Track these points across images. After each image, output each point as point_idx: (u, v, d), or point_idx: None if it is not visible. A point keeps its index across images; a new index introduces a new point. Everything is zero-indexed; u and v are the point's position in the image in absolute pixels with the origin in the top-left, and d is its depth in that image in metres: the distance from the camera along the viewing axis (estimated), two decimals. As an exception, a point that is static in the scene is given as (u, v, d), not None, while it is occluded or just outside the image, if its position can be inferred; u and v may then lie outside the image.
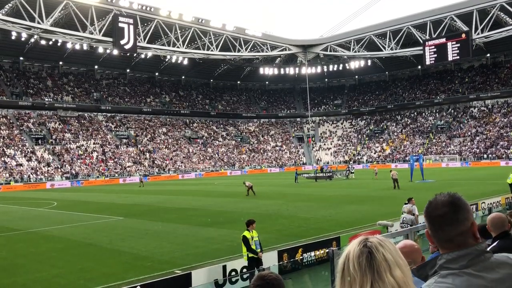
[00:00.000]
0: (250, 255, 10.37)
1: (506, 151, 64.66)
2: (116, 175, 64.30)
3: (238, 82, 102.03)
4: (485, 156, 66.06)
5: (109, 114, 78.27)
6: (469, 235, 1.58)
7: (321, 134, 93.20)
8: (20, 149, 61.88)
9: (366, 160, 78.77)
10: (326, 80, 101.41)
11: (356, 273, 1.34)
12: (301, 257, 12.04)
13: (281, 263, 11.48)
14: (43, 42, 63.71)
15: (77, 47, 64.95)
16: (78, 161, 64.37)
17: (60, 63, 78.24)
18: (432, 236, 1.63)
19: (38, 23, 52.98)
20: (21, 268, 13.39)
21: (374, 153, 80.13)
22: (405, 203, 15.16)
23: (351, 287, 1.35)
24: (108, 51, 69.41)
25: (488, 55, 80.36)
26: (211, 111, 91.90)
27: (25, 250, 16.06)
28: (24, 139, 64.41)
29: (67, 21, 57.53)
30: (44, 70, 78.09)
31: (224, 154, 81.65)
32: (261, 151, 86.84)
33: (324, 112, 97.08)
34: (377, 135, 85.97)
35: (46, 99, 71.86)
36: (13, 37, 60.05)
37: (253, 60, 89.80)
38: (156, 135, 79.00)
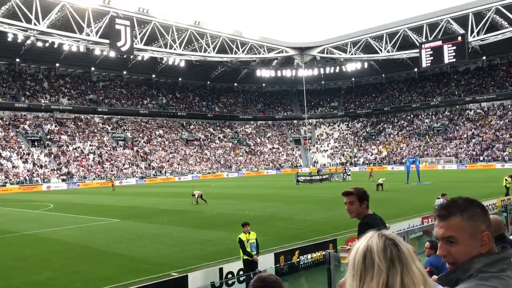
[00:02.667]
0: (245, 257, 10.39)
1: (502, 153, 64.92)
2: (113, 177, 64.07)
3: (235, 84, 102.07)
4: (481, 158, 66.31)
5: (105, 116, 78.09)
6: None
7: (317, 136, 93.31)
8: (16, 151, 61.65)
9: (363, 162, 78.89)
10: (323, 82, 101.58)
11: (382, 265, 1.31)
12: (298, 260, 12.04)
13: (278, 265, 11.47)
14: (39, 43, 63.53)
15: (74, 49, 64.76)
16: (75, 163, 64.18)
17: (57, 65, 78.05)
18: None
19: (35, 24, 52.81)
20: (16, 270, 13.31)
21: (371, 156, 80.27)
22: (438, 198, 15.99)
23: (376, 280, 1.31)
24: (104, 53, 69.28)
25: (484, 57, 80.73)
26: (208, 113, 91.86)
27: (20, 252, 15.98)
28: (20, 141, 64.17)
29: (64, 22, 57.41)
30: (41, 72, 77.88)
31: (221, 156, 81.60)
32: (258, 153, 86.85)
33: (321, 114, 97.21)
34: (373, 137, 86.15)
35: (43, 101, 71.64)
36: (9, 39, 59.79)
37: (250, 62, 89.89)
38: (152, 137, 78.89)
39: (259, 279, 1.99)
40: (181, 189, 45.53)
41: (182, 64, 77.75)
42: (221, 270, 10.78)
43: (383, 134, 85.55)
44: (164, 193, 39.90)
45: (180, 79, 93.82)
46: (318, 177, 49.19)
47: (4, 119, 66.32)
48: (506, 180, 25.42)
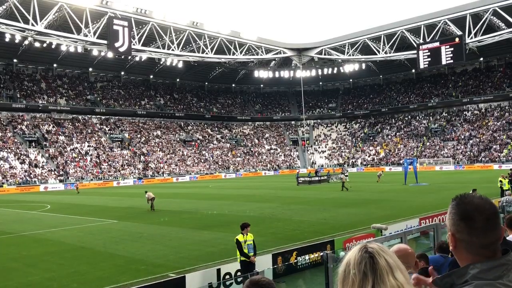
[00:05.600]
0: (242, 258, 10.38)
1: (499, 154, 65.07)
2: (110, 178, 64.05)
3: (233, 85, 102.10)
4: (479, 159, 66.44)
5: (103, 117, 77.98)
6: (500, 240, 1.55)
7: (315, 137, 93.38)
8: (13, 152, 61.49)
9: (361, 163, 78.99)
10: (320, 83, 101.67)
11: (356, 277, 1.38)
12: (295, 261, 12.04)
13: (275, 266, 11.47)
14: (37, 44, 63.34)
15: (72, 49, 64.64)
16: (72, 164, 64.05)
17: (54, 65, 77.91)
18: (467, 241, 1.54)
19: (32, 25, 52.69)
20: (13, 271, 13.28)
21: (369, 156, 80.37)
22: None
23: None
24: (102, 53, 69.17)
25: (481, 59, 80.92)
26: (205, 114, 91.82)
27: (17, 253, 15.95)
28: (18, 141, 64.01)
29: (62, 23, 57.32)
30: (38, 73, 77.72)
31: (219, 157, 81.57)
32: (256, 154, 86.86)
33: (319, 115, 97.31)
34: (371, 138, 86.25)
35: (40, 102, 71.50)
36: (7, 39, 59.66)
37: (248, 63, 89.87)
38: (150, 138, 78.80)
39: (252, 282, 1.93)
40: (179, 190, 45.55)
41: (180, 65, 77.66)
42: (218, 271, 10.78)
43: (380, 135, 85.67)
44: (162, 193, 39.81)
45: (178, 80, 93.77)
46: (316, 178, 49.15)
47: (2, 119, 66.15)
48: (500, 181, 25.44)
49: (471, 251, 1.53)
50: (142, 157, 72.50)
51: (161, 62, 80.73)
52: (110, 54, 65.23)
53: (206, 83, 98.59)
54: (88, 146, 69.33)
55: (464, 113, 79.01)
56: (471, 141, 71.38)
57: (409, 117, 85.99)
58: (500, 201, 21.19)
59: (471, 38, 62.81)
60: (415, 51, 69.46)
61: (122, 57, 72.37)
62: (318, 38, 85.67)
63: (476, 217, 1.53)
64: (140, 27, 62.55)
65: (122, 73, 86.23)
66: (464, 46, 63.78)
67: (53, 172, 60.91)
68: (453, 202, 1.62)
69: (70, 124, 72.52)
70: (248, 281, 1.95)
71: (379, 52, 73.24)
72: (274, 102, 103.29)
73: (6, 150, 61.02)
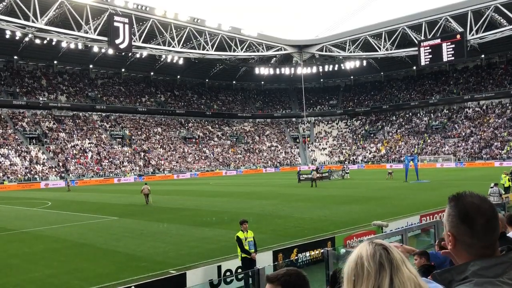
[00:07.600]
0: (244, 255, 10.38)
1: (500, 151, 65.00)
2: (111, 175, 64.11)
3: (234, 82, 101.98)
4: (479, 156, 66.38)
5: (104, 114, 77.97)
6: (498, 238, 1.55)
7: (316, 134, 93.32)
8: (14, 149, 61.53)
9: (361, 160, 78.96)
10: (321, 80, 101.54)
11: (371, 269, 1.36)
12: (296, 257, 12.04)
13: (276, 263, 11.47)
14: (37, 41, 63.32)
15: (72, 46, 64.60)
16: (73, 160, 64.09)
17: (55, 62, 77.84)
18: (468, 243, 1.53)
19: (33, 22, 52.67)
20: (14, 268, 13.30)
21: (369, 154, 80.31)
22: (491, 187, 18.57)
23: (366, 285, 1.36)
24: (103, 50, 69.13)
25: (483, 56, 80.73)
26: (206, 111, 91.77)
27: (18, 250, 15.97)
28: (18, 138, 64.05)
29: (62, 20, 57.27)
30: (39, 69, 77.65)
31: (220, 154, 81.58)
32: (257, 151, 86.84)
33: (320, 112, 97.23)
34: (372, 135, 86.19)
35: (41, 98, 71.47)
36: (7, 36, 59.65)
37: (249, 60, 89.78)
38: (151, 134, 78.81)
39: (290, 272, 1.84)
40: (179, 187, 45.56)
41: (181, 61, 77.65)
42: (219, 267, 10.79)
43: (381, 132, 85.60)
44: (163, 190, 39.90)
45: (178, 76, 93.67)
46: (318, 175, 49.09)
47: (2, 116, 66.16)
48: (503, 178, 25.41)
49: (472, 252, 1.52)
50: (142, 154, 72.51)
51: (162, 59, 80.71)
52: (110, 51, 65.20)
53: (207, 80, 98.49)
54: (89, 143, 69.36)
55: (465, 110, 78.89)
56: (472, 138, 71.29)
57: (410, 114, 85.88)
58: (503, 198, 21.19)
59: (473, 35, 62.66)
60: (416, 48, 69.34)
61: (123, 54, 72.28)
62: (319, 34, 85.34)
63: (477, 220, 1.51)
64: (140, 23, 62.47)
65: (123, 70, 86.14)
66: (466, 43, 63.64)
67: (53, 169, 60.96)
68: (452, 203, 1.59)
69: (71, 121, 72.53)
70: (284, 270, 1.90)
71: (380, 49, 73.13)
72: (275, 99, 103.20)
73: (7, 147, 61.06)
